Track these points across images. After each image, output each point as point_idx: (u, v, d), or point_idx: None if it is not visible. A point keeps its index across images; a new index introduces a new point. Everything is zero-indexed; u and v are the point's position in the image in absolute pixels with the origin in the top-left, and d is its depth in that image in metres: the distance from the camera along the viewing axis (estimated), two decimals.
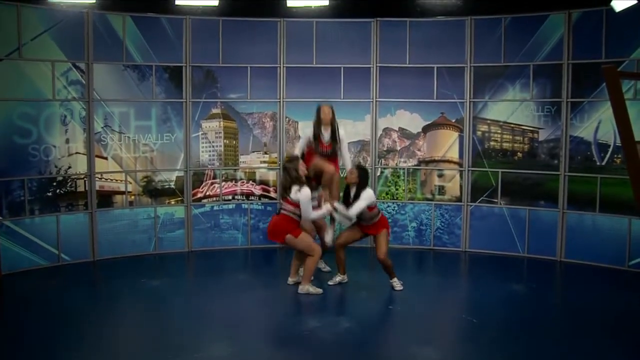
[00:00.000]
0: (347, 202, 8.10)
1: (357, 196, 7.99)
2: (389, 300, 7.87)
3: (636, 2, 8.03)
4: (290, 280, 8.44)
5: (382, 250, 8.06)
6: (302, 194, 7.83)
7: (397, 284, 8.26)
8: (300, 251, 8.19)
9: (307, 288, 8.06)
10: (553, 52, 9.67)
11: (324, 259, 8.88)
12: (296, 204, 7.90)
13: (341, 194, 8.40)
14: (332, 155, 8.59)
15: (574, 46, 9.51)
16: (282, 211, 8.03)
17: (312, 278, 8.22)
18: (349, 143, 10.46)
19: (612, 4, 8.32)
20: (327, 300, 8.01)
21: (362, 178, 8.04)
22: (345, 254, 8.43)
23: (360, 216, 8.11)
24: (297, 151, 8.70)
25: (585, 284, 8.74)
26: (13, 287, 8.36)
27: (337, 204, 8.19)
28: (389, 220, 10.49)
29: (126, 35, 9.72)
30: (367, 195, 7.96)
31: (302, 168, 8.04)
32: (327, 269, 8.98)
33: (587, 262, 9.50)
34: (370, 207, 8.06)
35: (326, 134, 8.57)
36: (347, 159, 8.86)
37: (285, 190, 7.98)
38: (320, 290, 8.10)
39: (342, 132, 8.77)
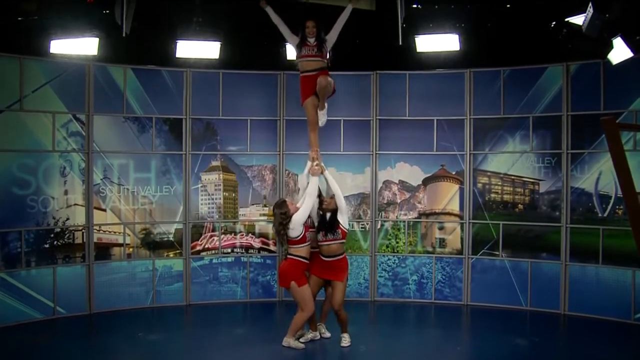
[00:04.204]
0: (322, 227, 7.91)
1: (332, 221, 7.87)
2: (389, 355, 7.69)
3: (633, 54, 8.09)
4: (309, 334, 8.20)
5: (338, 301, 7.84)
6: (293, 220, 7.69)
7: (346, 340, 7.98)
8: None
9: (289, 341, 7.82)
10: (552, 104, 9.71)
11: (325, 324, 8.43)
12: (299, 241, 7.73)
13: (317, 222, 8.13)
14: (319, 52, 8.18)
15: (573, 98, 9.57)
16: (289, 256, 7.85)
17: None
18: (349, 195, 10.43)
19: (609, 56, 8.38)
20: (325, 356, 7.87)
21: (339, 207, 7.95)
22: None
23: (326, 250, 7.89)
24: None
25: (590, 338, 8.57)
26: (5, 341, 8.21)
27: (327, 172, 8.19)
28: (389, 274, 10.39)
29: (127, 87, 9.79)
30: (343, 204, 7.92)
31: (292, 207, 7.82)
32: (328, 334, 8.36)
33: (592, 315, 9.33)
34: (343, 232, 7.89)
35: (311, 39, 8.20)
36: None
37: (280, 235, 7.83)
38: (302, 346, 7.86)
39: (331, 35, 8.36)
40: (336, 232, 7.85)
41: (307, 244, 7.81)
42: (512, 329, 8.91)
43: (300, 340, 8.04)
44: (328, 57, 8.35)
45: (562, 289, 9.65)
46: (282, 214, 7.72)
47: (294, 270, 7.76)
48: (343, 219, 7.91)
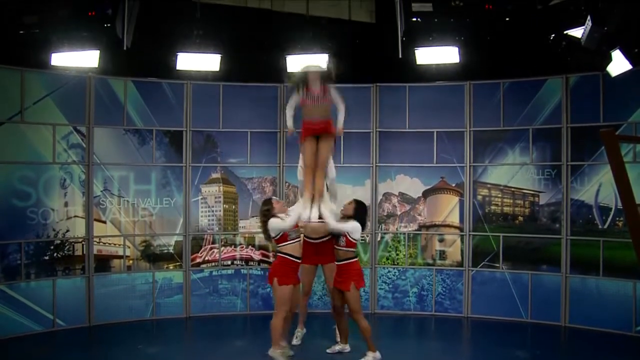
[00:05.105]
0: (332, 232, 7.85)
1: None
2: None
3: (631, 67, 8.12)
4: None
5: (353, 309, 7.64)
6: (270, 221, 7.50)
7: (370, 357, 7.71)
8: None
9: (273, 353, 7.54)
10: (552, 116, 9.74)
11: (299, 333, 8.47)
12: (279, 240, 7.53)
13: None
14: (323, 100, 7.76)
15: (572, 110, 9.59)
16: (278, 254, 7.66)
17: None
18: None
19: (609, 69, 8.41)
20: None
21: (358, 212, 7.77)
22: (347, 321, 8.01)
23: (336, 254, 7.79)
24: (289, 119, 7.97)
25: (591, 351, 8.55)
26: (5, 353, 8.19)
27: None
28: (389, 286, 10.36)
29: (127, 99, 9.82)
30: (353, 226, 7.66)
31: (277, 206, 7.63)
32: (298, 342, 8.35)
33: (593, 327, 9.29)
34: (349, 241, 7.69)
35: (315, 83, 7.72)
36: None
37: (267, 233, 7.65)
38: None
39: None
40: (341, 239, 7.71)
41: (290, 242, 7.58)
42: (512, 342, 8.88)
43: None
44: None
45: (563, 301, 9.63)
46: (265, 211, 7.60)
47: (279, 267, 7.57)
48: (353, 234, 7.70)
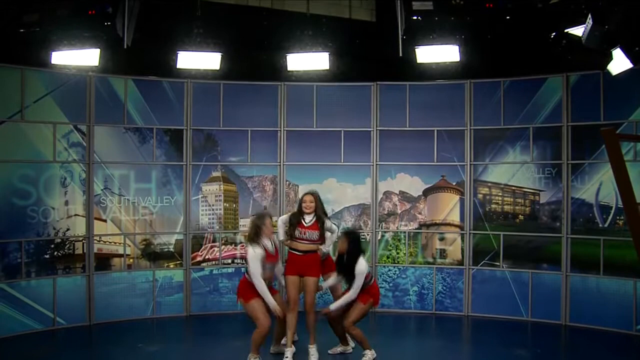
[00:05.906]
0: (340, 270, 7.78)
1: (349, 266, 7.61)
2: None
3: (632, 65, 8.11)
4: (272, 349, 8.07)
5: (349, 318, 7.63)
6: (247, 252, 7.36)
7: (367, 357, 7.75)
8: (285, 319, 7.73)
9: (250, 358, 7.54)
10: (552, 115, 9.73)
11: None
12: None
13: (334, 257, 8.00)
14: (314, 238, 7.75)
15: (573, 108, 9.59)
16: (245, 273, 7.59)
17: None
18: (349, 206, 10.46)
19: (609, 67, 8.39)
20: None
21: (353, 246, 7.64)
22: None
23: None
24: (281, 236, 7.93)
25: (592, 349, 8.55)
26: (5, 352, 8.19)
27: (331, 306, 7.76)
28: (390, 285, 10.36)
29: (128, 98, 9.83)
30: (361, 270, 7.57)
31: (266, 232, 7.40)
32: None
33: (593, 326, 9.30)
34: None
35: (308, 217, 7.77)
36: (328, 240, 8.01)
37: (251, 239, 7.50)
38: None
39: (328, 223, 7.95)
40: (352, 284, 7.65)
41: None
42: (513, 340, 8.89)
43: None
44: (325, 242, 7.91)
45: (563, 300, 9.64)
46: (256, 226, 7.43)
47: (243, 287, 7.48)
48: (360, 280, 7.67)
